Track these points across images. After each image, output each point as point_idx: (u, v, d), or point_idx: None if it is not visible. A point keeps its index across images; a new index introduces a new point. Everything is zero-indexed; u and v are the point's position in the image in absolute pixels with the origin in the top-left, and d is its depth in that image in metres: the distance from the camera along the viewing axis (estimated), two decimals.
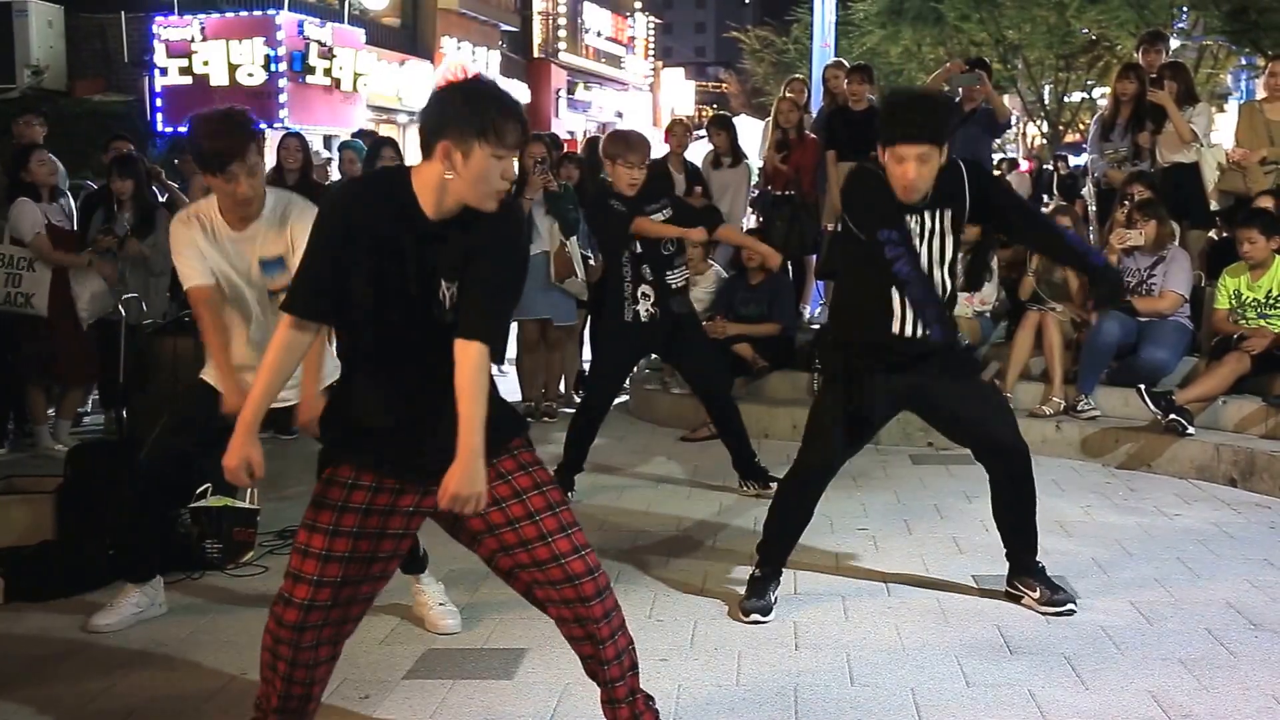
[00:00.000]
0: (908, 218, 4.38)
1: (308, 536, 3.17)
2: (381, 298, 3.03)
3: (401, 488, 3.15)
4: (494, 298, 3.05)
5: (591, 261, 9.04)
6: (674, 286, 6.26)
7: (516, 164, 3.11)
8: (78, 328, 7.60)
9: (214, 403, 4.42)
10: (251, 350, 4.45)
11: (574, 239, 8.59)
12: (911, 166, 4.24)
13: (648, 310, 6.19)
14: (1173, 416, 6.88)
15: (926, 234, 4.41)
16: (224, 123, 4.25)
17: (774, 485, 6.26)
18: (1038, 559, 4.78)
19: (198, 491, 5.40)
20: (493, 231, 3.07)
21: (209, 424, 4.46)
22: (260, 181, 4.35)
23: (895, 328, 4.44)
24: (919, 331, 4.41)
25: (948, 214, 4.43)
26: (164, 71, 19.19)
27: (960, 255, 8.03)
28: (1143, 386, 7.05)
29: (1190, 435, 6.90)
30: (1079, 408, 7.51)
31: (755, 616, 4.58)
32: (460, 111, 2.97)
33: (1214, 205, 8.83)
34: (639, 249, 6.16)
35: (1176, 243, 7.86)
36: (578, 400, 9.22)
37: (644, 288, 6.18)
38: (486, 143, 2.95)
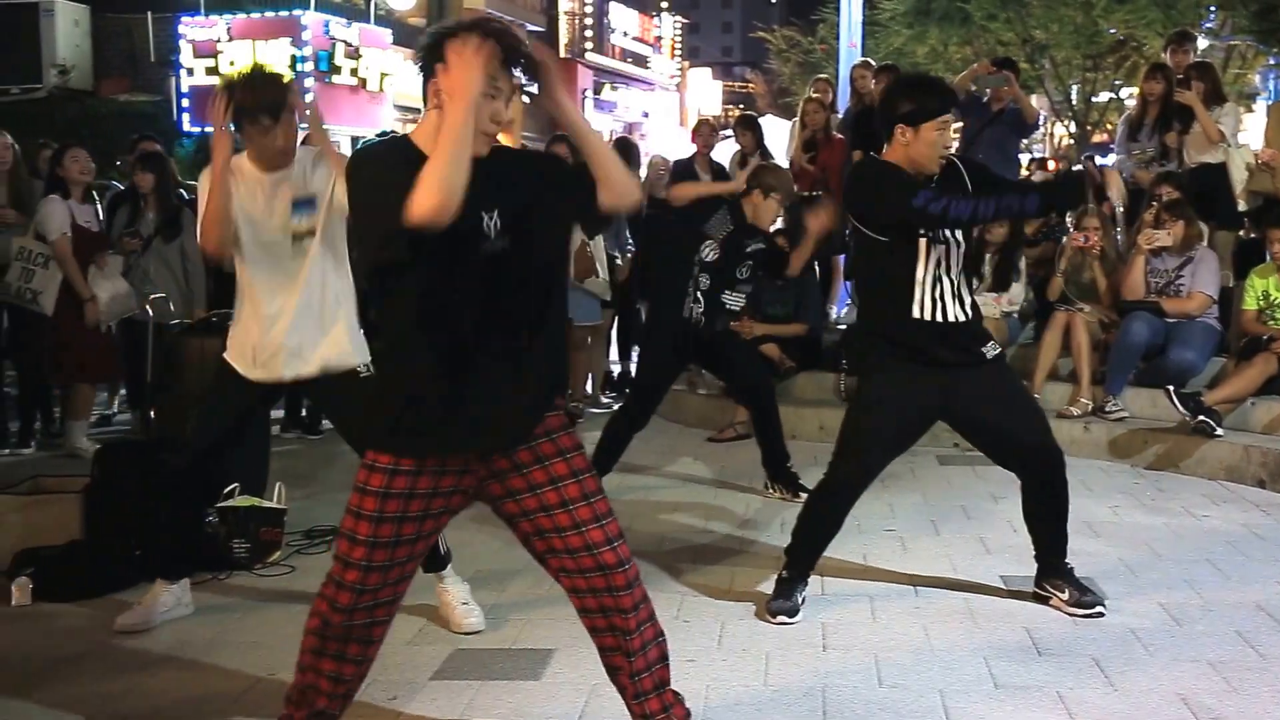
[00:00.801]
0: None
1: (354, 522, 3.13)
2: (421, 245, 2.93)
3: (443, 468, 3.12)
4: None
5: (619, 261, 9.06)
6: (727, 307, 6.34)
7: (510, 109, 3.09)
8: (88, 327, 7.60)
9: (241, 384, 4.51)
10: (275, 299, 4.48)
11: (599, 239, 8.59)
12: (950, 132, 4.41)
13: (698, 314, 6.24)
14: (1201, 418, 6.83)
15: (940, 237, 4.43)
16: (261, 77, 4.39)
17: (804, 495, 6.26)
18: (1067, 560, 4.75)
19: (225, 491, 5.42)
20: (526, 160, 3.15)
21: (240, 405, 4.57)
22: (294, 132, 4.46)
23: (916, 311, 4.43)
24: (941, 315, 4.42)
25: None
26: (190, 72, 19.28)
27: (988, 256, 8.04)
28: (1171, 388, 7.01)
29: (1219, 436, 6.86)
30: (1107, 409, 7.48)
31: (782, 618, 4.56)
32: (447, 49, 2.98)
33: (1242, 206, 8.77)
34: (710, 257, 6.24)
35: (1204, 243, 7.82)
36: (604, 401, 9.24)
37: (700, 292, 6.25)
38: None
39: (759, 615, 4.64)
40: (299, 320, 4.46)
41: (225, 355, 4.59)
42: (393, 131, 13.59)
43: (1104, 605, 4.63)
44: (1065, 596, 4.65)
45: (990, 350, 4.56)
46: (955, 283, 4.47)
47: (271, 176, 4.45)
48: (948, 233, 4.40)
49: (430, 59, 3.00)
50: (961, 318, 4.48)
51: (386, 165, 3.01)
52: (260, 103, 4.33)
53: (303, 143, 4.65)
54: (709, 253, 6.24)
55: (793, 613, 4.59)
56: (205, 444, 4.57)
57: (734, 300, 6.37)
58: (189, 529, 4.76)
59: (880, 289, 4.55)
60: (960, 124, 4.40)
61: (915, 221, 4.30)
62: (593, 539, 3.16)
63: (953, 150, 4.42)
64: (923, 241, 4.39)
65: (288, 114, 4.38)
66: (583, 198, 3.14)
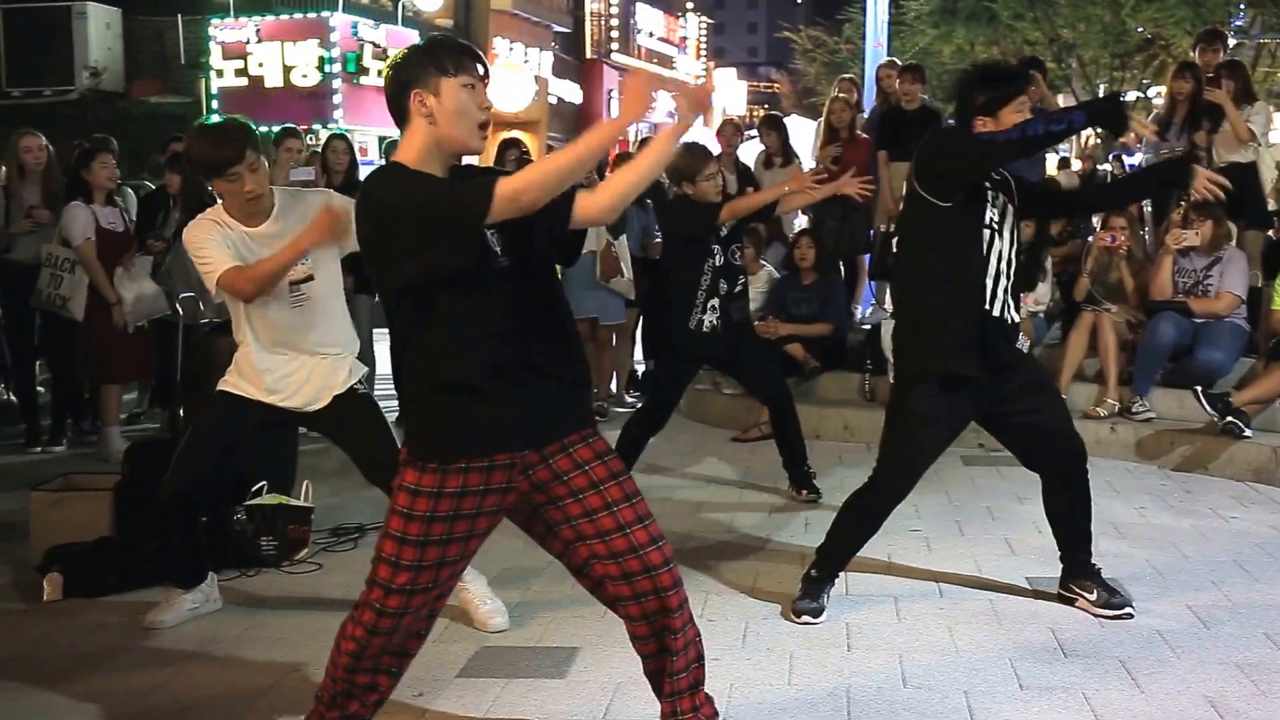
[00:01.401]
0: (992, 202, 4.43)
1: (397, 547, 3.12)
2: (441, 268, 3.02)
3: (487, 485, 3.12)
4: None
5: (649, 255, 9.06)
6: (736, 291, 6.27)
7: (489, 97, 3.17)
8: (118, 328, 7.63)
9: (239, 415, 4.51)
10: (275, 352, 4.50)
11: (623, 238, 8.60)
12: (1029, 111, 4.41)
13: (711, 322, 6.19)
14: (1229, 418, 6.80)
15: (1001, 218, 4.44)
16: (219, 130, 4.47)
17: (813, 496, 6.28)
18: (1093, 560, 4.74)
19: (253, 490, 5.46)
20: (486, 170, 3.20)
21: (233, 438, 4.56)
22: (263, 178, 4.43)
23: (994, 309, 4.38)
24: (1006, 311, 4.42)
25: (1005, 198, 4.48)
26: (220, 73, 19.42)
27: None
28: (1199, 388, 6.98)
29: (1247, 437, 6.83)
30: (1134, 409, 7.44)
31: (806, 618, 4.56)
32: (417, 61, 3.09)
33: (1272, 205, 8.73)
34: (720, 261, 6.17)
35: (1233, 243, 7.77)
36: (629, 400, 9.26)
37: (714, 300, 6.19)
38: (452, 75, 3.05)
39: (784, 615, 4.64)
40: (317, 371, 4.51)
41: (225, 387, 4.55)
42: None
43: (1132, 606, 4.61)
44: (1093, 598, 4.63)
45: (1024, 344, 4.60)
46: (1012, 282, 4.47)
47: (256, 230, 4.44)
48: (1003, 225, 4.40)
49: (415, 74, 3.07)
50: (1018, 319, 4.52)
51: (420, 183, 3.03)
52: (221, 156, 4.32)
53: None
54: (719, 258, 6.19)
55: (817, 613, 4.59)
56: (190, 479, 4.49)
57: (739, 282, 6.30)
58: (191, 542, 4.73)
59: (949, 283, 4.40)
60: None
61: (999, 154, 4.27)
62: (637, 539, 3.18)
63: None
64: (985, 232, 4.36)
65: (246, 161, 4.33)
66: (557, 212, 3.12)
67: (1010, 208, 4.48)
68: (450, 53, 3.09)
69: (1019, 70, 4.57)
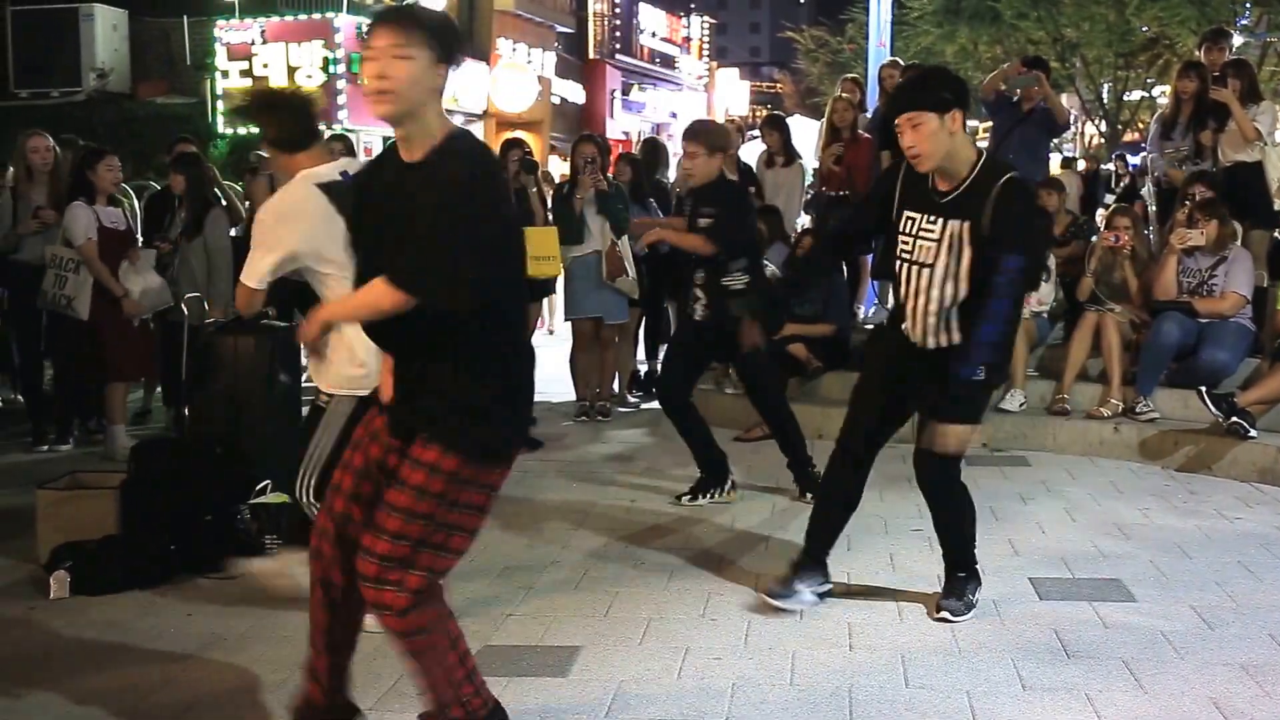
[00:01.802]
0: (929, 218, 4.37)
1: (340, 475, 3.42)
2: (356, 242, 3.32)
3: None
4: (425, 247, 3.06)
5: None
6: (731, 289, 6.18)
7: (400, 65, 3.07)
8: (124, 327, 7.65)
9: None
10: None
11: (625, 238, 8.62)
12: (907, 134, 4.30)
13: (701, 311, 6.21)
14: (1234, 419, 6.80)
15: (945, 238, 4.34)
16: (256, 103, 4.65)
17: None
18: (963, 572, 4.73)
19: (257, 488, 5.47)
20: (441, 174, 3.09)
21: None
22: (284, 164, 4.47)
23: (905, 325, 4.50)
24: (921, 336, 4.45)
25: (965, 226, 4.31)
26: (225, 74, 19.46)
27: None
28: (1203, 388, 6.97)
29: (1252, 438, 6.82)
30: (1137, 410, 7.44)
31: (767, 599, 4.64)
32: None
33: (1278, 205, 8.70)
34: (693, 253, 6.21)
35: (1238, 243, 7.77)
36: (631, 400, 9.26)
37: (696, 290, 6.21)
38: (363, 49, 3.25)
39: (758, 590, 4.67)
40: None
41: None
42: None
43: (968, 611, 4.61)
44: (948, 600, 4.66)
45: (966, 371, 4.32)
46: (943, 309, 4.39)
47: None
48: (932, 255, 4.36)
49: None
50: (940, 345, 4.44)
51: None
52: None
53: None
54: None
55: (779, 597, 4.63)
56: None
57: (734, 280, 6.16)
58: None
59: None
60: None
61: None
62: (364, 542, 3.22)
63: (915, 152, 4.30)
64: (898, 263, 4.46)
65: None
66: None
67: (964, 233, 4.31)
68: (371, 27, 3.20)
69: (902, 93, 4.47)
